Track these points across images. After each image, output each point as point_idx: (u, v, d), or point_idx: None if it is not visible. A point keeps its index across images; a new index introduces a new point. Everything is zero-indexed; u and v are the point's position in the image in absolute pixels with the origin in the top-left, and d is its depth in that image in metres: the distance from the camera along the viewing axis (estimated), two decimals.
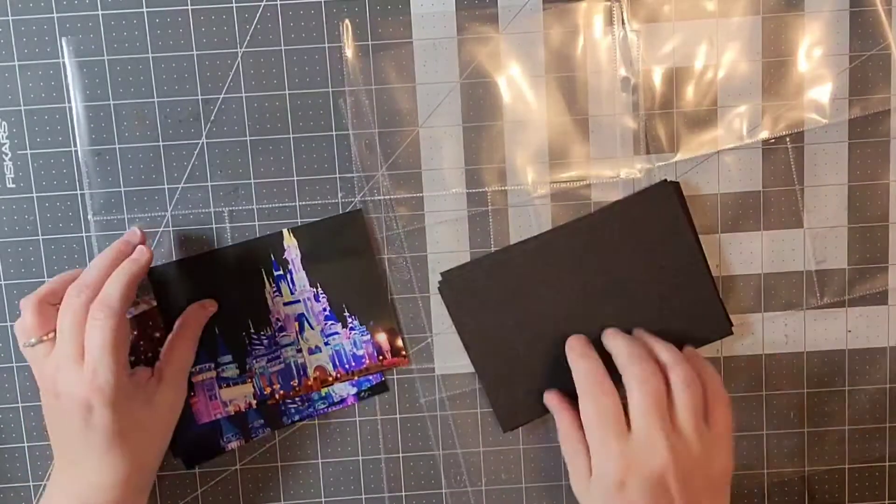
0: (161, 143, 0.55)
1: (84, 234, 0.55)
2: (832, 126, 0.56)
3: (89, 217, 0.55)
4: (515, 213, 0.56)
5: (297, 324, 0.56)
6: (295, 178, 0.55)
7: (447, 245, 0.56)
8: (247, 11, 0.54)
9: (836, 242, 0.57)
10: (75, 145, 0.55)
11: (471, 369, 0.57)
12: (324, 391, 0.57)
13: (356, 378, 0.57)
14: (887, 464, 0.59)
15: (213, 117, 0.55)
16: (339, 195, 0.56)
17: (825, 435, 0.59)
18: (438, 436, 0.58)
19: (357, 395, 0.57)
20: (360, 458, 0.58)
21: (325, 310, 0.56)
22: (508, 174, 0.56)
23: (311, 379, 0.57)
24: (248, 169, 0.55)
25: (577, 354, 0.51)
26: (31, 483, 0.57)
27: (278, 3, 0.54)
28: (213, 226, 0.56)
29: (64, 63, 0.54)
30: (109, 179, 0.55)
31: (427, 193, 0.56)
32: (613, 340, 0.52)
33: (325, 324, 0.56)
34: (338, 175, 0.56)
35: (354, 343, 0.56)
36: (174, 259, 0.55)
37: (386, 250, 0.56)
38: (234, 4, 0.54)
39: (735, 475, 0.58)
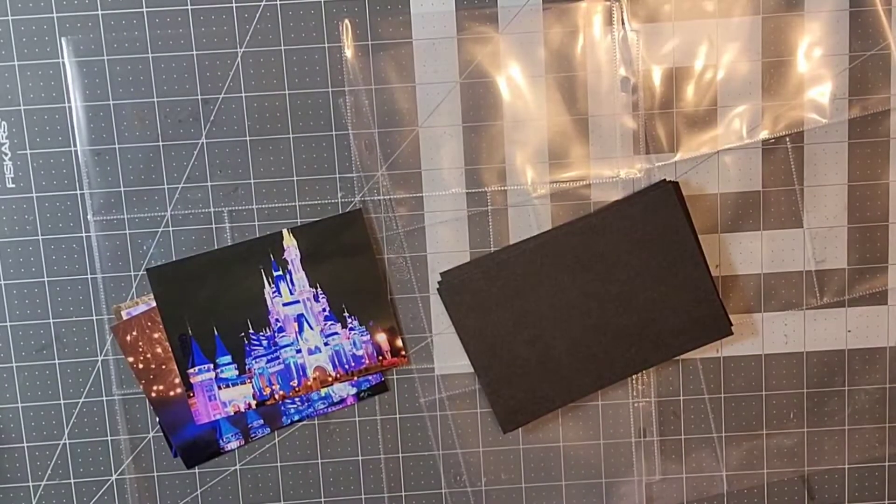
0: (161, 143, 0.55)
1: (84, 234, 0.55)
2: (832, 126, 0.56)
3: (89, 217, 0.55)
4: (515, 213, 0.56)
5: (296, 324, 0.56)
6: (295, 178, 0.55)
7: (447, 245, 0.56)
8: (247, 11, 0.54)
9: (836, 242, 0.57)
10: (75, 145, 0.55)
11: (471, 369, 0.57)
12: (323, 391, 0.57)
13: (356, 378, 0.57)
14: (887, 464, 0.59)
15: (212, 117, 0.55)
16: (339, 195, 0.56)
17: (825, 435, 0.59)
18: (438, 436, 0.58)
19: (357, 395, 0.57)
20: (360, 458, 0.58)
21: (324, 310, 0.56)
22: (508, 174, 0.56)
23: (311, 379, 0.57)
24: (248, 169, 0.55)
25: None
26: (30, 483, 0.57)
27: (278, 3, 0.54)
28: (213, 226, 0.56)
29: (64, 63, 0.54)
30: (109, 179, 0.55)
31: (427, 193, 0.56)
32: None
33: (325, 324, 0.56)
34: (338, 175, 0.56)
35: (354, 343, 0.56)
36: (174, 259, 0.55)
37: (386, 250, 0.56)
38: (234, 4, 0.54)
39: (735, 475, 0.59)
